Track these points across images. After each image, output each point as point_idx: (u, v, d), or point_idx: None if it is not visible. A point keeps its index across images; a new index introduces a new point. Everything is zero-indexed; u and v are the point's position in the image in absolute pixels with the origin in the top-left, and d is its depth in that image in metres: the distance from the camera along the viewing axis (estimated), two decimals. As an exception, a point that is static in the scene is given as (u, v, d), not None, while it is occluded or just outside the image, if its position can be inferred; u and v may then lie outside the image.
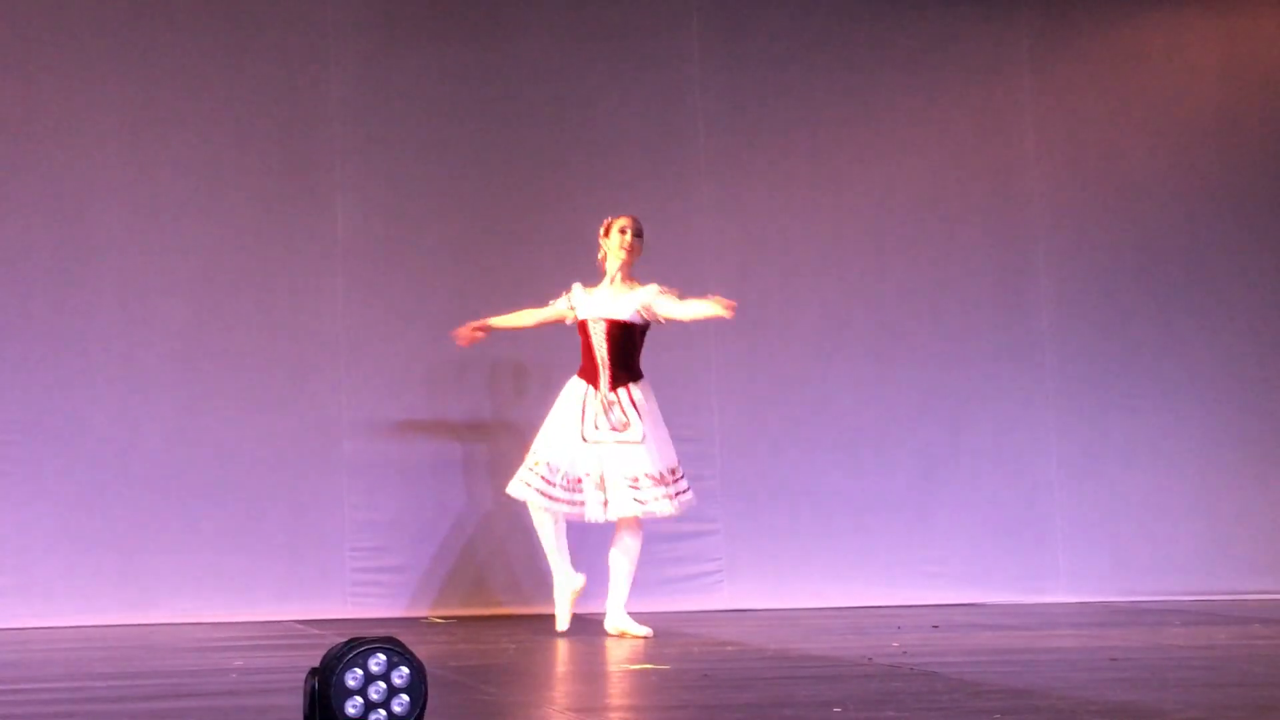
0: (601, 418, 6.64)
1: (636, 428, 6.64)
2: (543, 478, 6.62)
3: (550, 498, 6.60)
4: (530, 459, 6.69)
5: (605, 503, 6.56)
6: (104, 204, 7.65)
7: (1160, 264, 8.74)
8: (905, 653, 5.58)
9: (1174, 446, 8.62)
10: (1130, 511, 8.53)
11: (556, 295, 6.90)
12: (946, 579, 8.24)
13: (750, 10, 8.46)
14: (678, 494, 6.64)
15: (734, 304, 6.64)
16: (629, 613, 6.61)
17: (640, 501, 6.56)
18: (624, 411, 6.66)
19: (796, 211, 8.43)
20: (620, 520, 6.61)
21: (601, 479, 6.57)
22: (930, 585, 8.21)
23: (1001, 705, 4.12)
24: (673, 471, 6.67)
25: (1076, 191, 8.73)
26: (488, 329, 7.01)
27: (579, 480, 6.60)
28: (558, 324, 6.93)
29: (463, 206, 8.03)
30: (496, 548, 7.82)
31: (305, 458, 7.70)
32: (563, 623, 6.74)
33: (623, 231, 6.79)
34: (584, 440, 6.63)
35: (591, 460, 6.60)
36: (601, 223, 6.85)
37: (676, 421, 7.83)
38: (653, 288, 6.75)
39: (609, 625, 6.63)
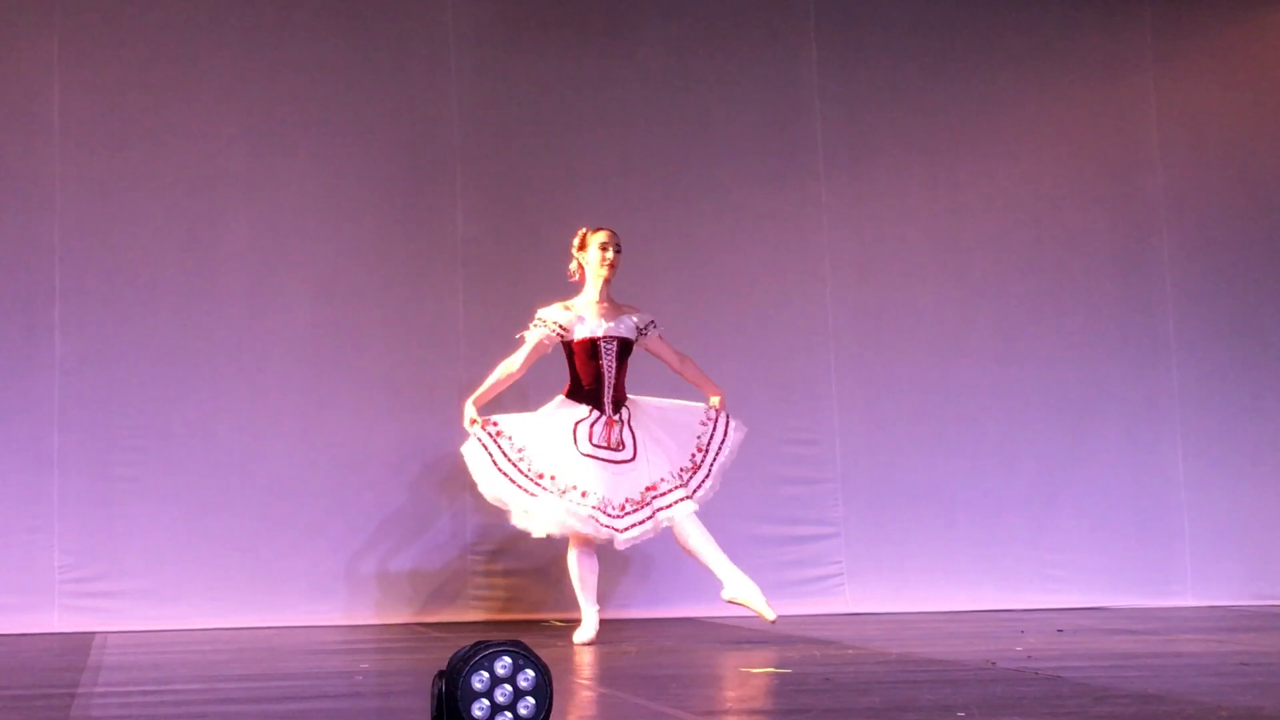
0: (600, 435, 6.49)
1: (629, 449, 6.52)
2: (550, 492, 6.42)
3: (598, 522, 6.41)
4: (556, 490, 6.43)
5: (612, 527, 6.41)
6: (230, 214, 7.77)
7: (1288, 262, 8.61)
8: (1029, 657, 5.53)
9: (1303, 447, 8.48)
10: (1259, 513, 8.40)
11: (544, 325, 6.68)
12: (1070, 582, 8.16)
13: (868, 14, 8.43)
14: (660, 509, 6.44)
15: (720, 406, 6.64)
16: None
17: (620, 530, 6.40)
18: (622, 433, 6.53)
19: (916, 214, 8.39)
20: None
21: (604, 500, 6.40)
22: (1054, 589, 8.13)
23: (1128, 710, 4.07)
24: (660, 484, 6.47)
25: (1201, 189, 8.61)
26: (479, 405, 6.58)
27: (584, 494, 6.41)
28: (540, 356, 6.69)
29: (580, 211, 8.06)
30: (616, 551, 7.85)
31: (428, 461, 7.77)
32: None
33: (604, 248, 6.61)
34: (579, 452, 6.46)
35: (590, 476, 6.43)
36: (576, 233, 6.69)
37: (796, 425, 7.85)
38: (647, 316, 6.67)
39: (727, 595, 6.51)
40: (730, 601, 6.52)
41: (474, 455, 6.56)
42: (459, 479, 7.79)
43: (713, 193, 8.14)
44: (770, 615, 6.39)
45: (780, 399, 7.94)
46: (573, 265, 6.71)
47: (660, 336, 6.72)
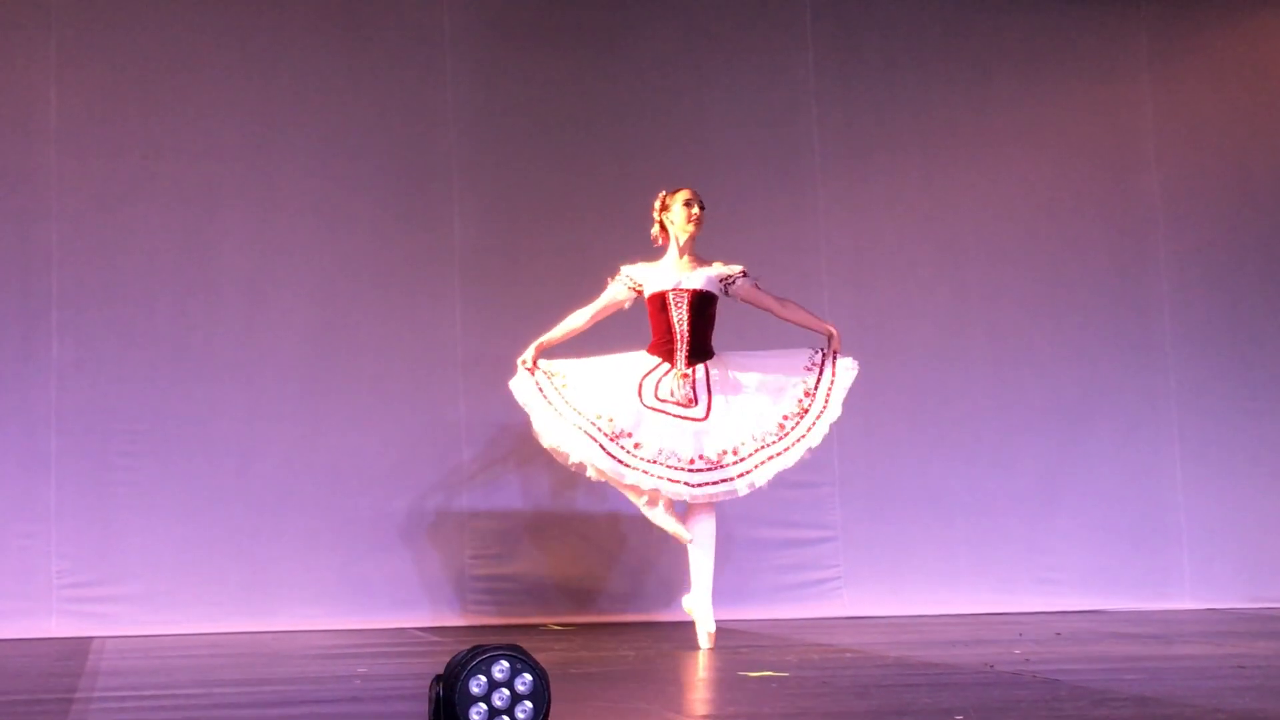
0: (667, 388, 6.37)
1: (702, 406, 6.37)
2: (603, 433, 6.32)
3: (613, 457, 6.27)
4: (580, 415, 6.35)
5: (664, 479, 6.26)
6: (227, 218, 7.77)
7: (1284, 264, 8.63)
8: (1027, 660, 5.53)
9: (1300, 448, 8.49)
10: (1257, 515, 8.40)
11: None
12: (1068, 585, 8.16)
13: (864, 17, 8.43)
14: (737, 475, 6.29)
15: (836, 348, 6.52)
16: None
17: (692, 485, 6.25)
18: (694, 389, 6.38)
19: (912, 217, 8.39)
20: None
21: (659, 451, 6.29)
22: (1051, 591, 8.13)
23: (1126, 713, 4.08)
24: (741, 448, 6.32)
25: (1197, 191, 8.62)
26: (541, 350, 6.57)
27: (638, 445, 6.31)
28: (615, 312, 6.66)
29: (578, 215, 8.07)
30: (616, 555, 7.85)
31: (424, 465, 7.77)
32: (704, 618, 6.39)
33: (688, 205, 6.52)
34: (642, 404, 6.36)
35: (650, 428, 6.32)
36: (657, 196, 6.58)
37: (793, 428, 7.81)
38: (736, 267, 6.54)
39: (685, 602, 6.45)
40: (685, 609, 6.48)
41: (522, 390, 6.48)
42: (457, 484, 7.79)
43: (709, 195, 8.08)
44: (705, 645, 6.31)
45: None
46: (654, 230, 6.59)
47: (756, 285, 6.57)
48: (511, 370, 6.66)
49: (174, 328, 7.65)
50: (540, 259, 7.99)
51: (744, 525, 7.83)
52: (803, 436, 6.42)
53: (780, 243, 8.20)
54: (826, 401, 6.49)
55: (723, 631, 6.66)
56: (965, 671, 5.21)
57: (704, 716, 4.30)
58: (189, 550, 7.50)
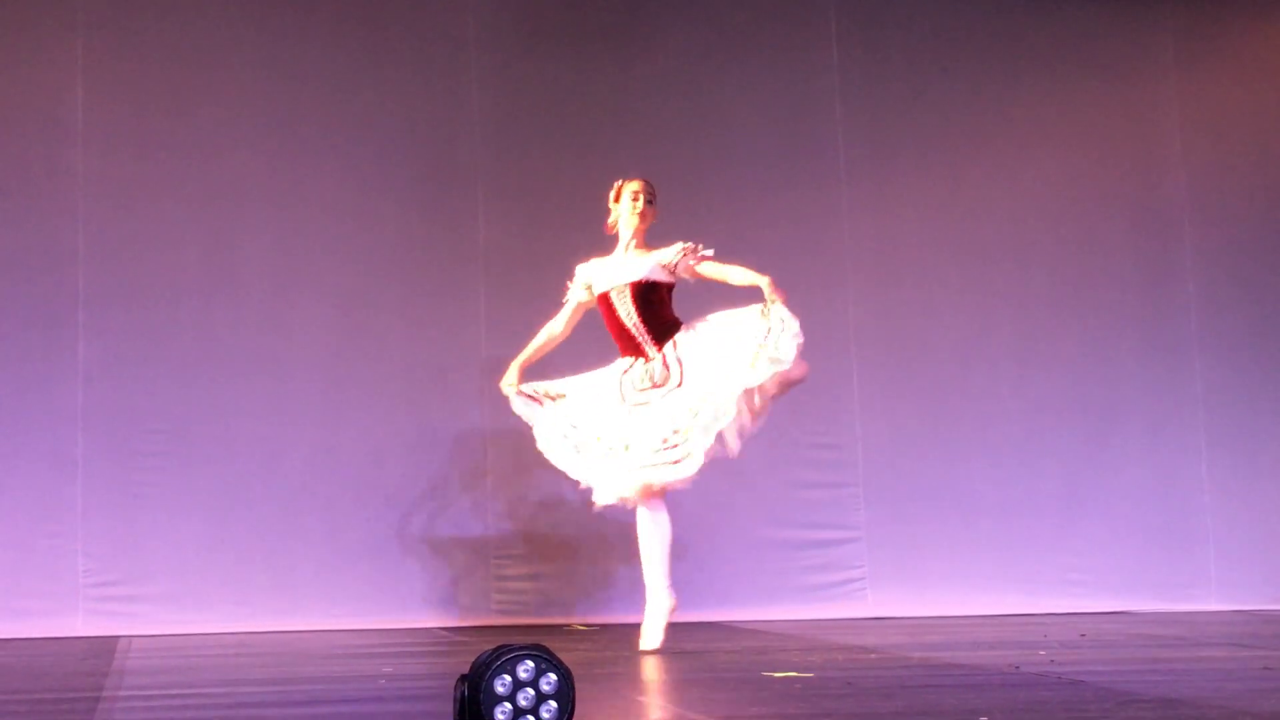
0: (641, 375, 6.22)
1: (676, 374, 6.17)
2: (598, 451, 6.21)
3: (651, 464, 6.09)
4: (604, 450, 6.20)
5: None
6: (252, 219, 7.79)
7: (1311, 265, 8.60)
8: (1052, 661, 5.52)
9: (1328, 450, 8.46)
10: (1283, 517, 8.38)
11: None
12: (1093, 586, 8.14)
13: (889, 17, 8.43)
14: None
15: (783, 294, 6.14)
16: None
17: (662, 464, 6.06)
18: (666, 365, 6.19)
19: (937, 217, 8.38)
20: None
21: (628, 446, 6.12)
22: (1076, 593, 8.12)
23: (1151, 715, 4.06)
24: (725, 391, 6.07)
25: (1224, 191, 8.59)
26: (523, 368, 6.52)
27: (626, 449, 6.16)
28: (586, 311, 6.53)
29: (602, 215, 8.07)
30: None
31: (449, 465, 7.78)
32: (653, 641, 6.23)
33: (635, 198, 6.40)
34: (626, 404, 6.21)
35: (638, 426, 6.14)
36: (612, 186, 6.47)
37: (817, 429, 7.84)
38: (676, 246, 6.34)
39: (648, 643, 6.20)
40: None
41: (524, 412, 6.44)
42: (481, 484, 7.80)
43: (733, 196, 8.13)
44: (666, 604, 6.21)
45: (802, 403, 7.92)
46: (611, 219, 6.49)
47: (704, 258, 6.31)
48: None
49: (199, 327, 7.67)
50: (565, 258, 7.96)
51: (768, 525, 7.83)
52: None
53: (804, 241, 8.20)
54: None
55: (746, 632, 6.66)
56: (990, 673, 5.20)
57: (728, 717, 4.29)
58: (214, 549, 7.53)
